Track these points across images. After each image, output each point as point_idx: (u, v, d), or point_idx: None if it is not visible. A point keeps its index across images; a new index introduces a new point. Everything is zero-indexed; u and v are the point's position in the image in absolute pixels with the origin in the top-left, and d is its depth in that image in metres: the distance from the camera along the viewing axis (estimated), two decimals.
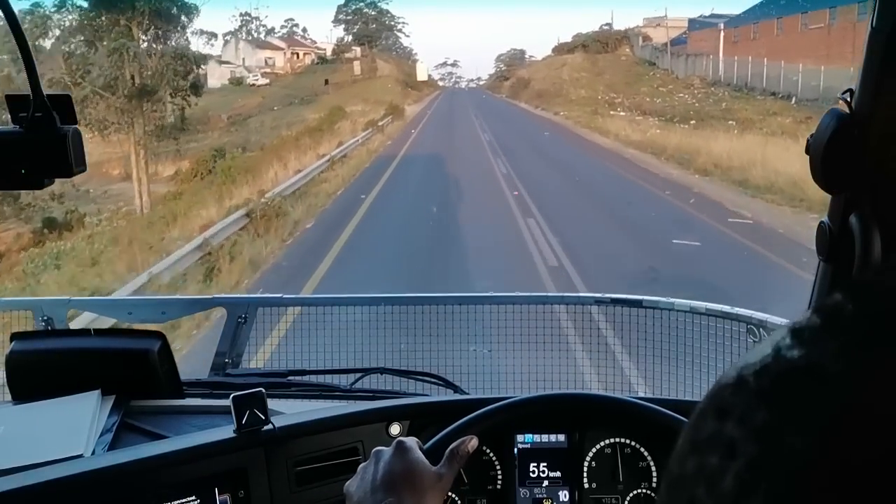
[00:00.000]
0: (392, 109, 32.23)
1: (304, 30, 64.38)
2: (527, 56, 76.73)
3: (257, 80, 52.35)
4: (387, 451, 0.86)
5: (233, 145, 23.80)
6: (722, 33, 38.03)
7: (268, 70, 56.30)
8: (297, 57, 62.01)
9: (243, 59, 56.60)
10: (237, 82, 51.45)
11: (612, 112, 30.81)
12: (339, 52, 63.41)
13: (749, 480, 0.24)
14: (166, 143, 24.88)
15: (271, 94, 45.20)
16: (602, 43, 52.99)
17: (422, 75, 64.94)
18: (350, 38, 65.36)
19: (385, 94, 42.08)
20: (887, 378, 0.24)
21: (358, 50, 62.91)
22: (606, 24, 56.46)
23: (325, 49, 64.68)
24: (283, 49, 60.75)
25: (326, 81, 48.55)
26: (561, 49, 60.67)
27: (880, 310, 0.26)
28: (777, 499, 0.24)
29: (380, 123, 27.30)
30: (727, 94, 30.75)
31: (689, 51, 39.96)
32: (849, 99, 0.91)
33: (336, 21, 65.54)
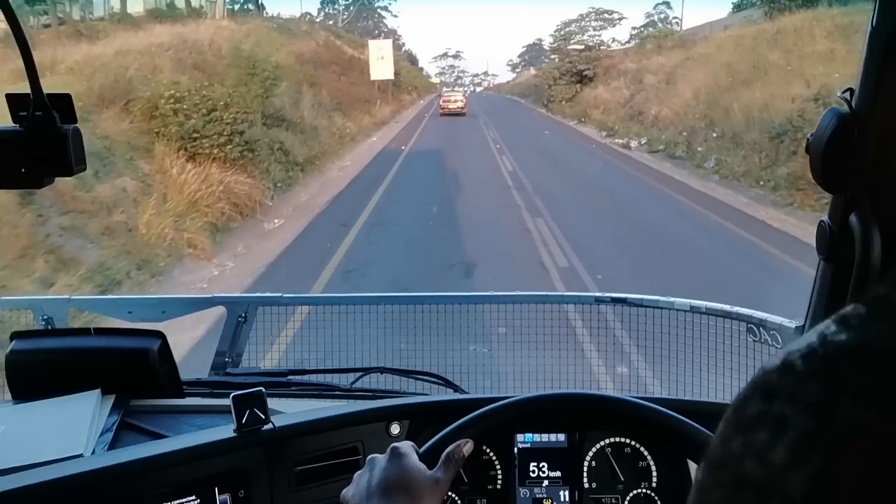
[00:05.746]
0: None
1: None
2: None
3: None
4: (382, 457, 0.86)
5: None
6: None
7: None
8: None
9: None
10: None
11: None
12: None
13: (802, 450, 0.25)
14: None
15: None
16: None
17: (381, 70, 29.38)
18: None
19: None
20: None
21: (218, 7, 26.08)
22: None
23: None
24: None
25: None
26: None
27: None
28: (832, 465, 0.24)
29: None
30: None
31: None
32: (849, 98, 0.91)
33: None
